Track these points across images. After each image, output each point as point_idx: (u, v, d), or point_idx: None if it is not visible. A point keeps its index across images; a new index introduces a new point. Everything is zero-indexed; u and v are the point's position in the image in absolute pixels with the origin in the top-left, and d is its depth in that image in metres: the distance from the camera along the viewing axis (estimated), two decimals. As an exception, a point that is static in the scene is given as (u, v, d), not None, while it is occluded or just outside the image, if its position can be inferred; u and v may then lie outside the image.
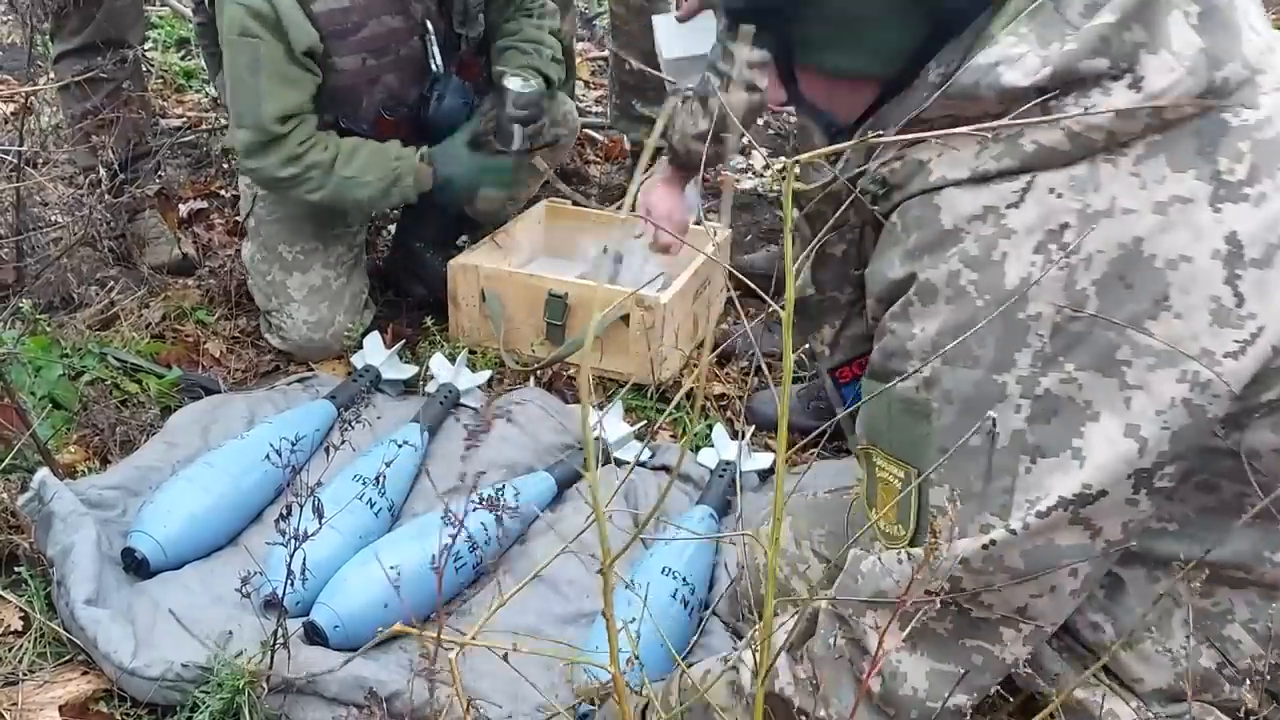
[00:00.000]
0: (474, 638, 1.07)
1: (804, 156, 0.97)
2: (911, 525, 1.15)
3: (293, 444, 1.59)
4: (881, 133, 1.15)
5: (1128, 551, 1.16)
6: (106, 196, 2.37)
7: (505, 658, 1.12)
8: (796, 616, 1.29)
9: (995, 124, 1.02)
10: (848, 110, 1.25)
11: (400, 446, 1.91)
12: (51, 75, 2.72)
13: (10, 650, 1.65)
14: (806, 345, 1.53)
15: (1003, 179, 1.07)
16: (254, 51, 2.23)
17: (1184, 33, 1.04)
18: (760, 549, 1.39)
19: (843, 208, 1.15)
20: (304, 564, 1.51)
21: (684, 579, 1.77)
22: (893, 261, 1.14)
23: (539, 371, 2.45)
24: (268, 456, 1.87)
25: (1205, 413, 1.03)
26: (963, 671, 1.16)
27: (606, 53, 3.33)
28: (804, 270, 1.39)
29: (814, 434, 1.14)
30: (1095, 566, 1.12)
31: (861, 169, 1.21)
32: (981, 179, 1.08)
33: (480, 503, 1.22)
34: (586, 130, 3.67)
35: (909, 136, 1.07)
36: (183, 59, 4.22)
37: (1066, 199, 1.04)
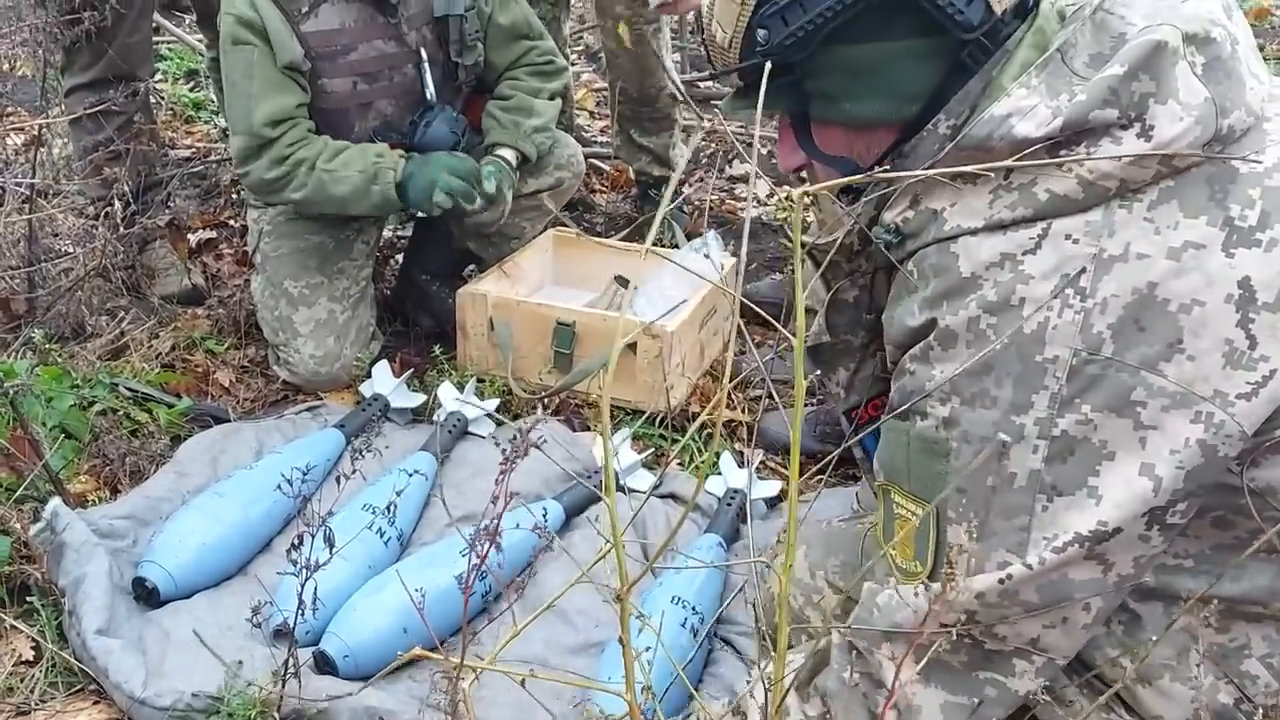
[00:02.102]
0: (489, 666, 1.08)
1: (812, 188, 0.98)
2: (929, 562, 1.16)
3: (303, 473, 1.60)
4: (880, 169, 1.17)
5: (1145, 588, 1.17)
6: (119, 228, 2.39)
7: (523, 683, 1.12)
8: (805, 656, 1.30)
9: (982, 166, 1.05)
10: (868, 157, 1.26)
11: (410, 475, 1.91)
12: (63, 108, 2.75)
13: (22, 680, 1.66)
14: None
15: (1018, 226, 1.09)
16: (247, 57, 2.28)
17: (1190, 82, 1.06)
18: (774, 577, 1.40)
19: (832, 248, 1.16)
20: (315, 593, 1.51)
21: (694, 608, 1.77)
22: (911, 309, 1.16)
23: (547, 400, 2.46)
24: (278, 486, 1.88)
25: (1218, 452, 1.05)
26: (976, 703, 1.16)
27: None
28: (818, 316, 1.41)
29: (824, 462, 1.16)
30: (1107, 600, 1.13)
31: (875, 210, 1.22)
32: (997, 227, 1.10)
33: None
34: (592, 160, 3.69)
35: (902, 174, 1.09)
36: (191, 90, 4.26)
37: (1082, 244, 1.06)
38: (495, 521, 1.08)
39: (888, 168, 1.19)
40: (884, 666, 1.18)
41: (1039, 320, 1.06)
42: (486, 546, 1.08)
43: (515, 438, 1.09)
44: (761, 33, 1.19)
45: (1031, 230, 1.08)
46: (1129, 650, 1.20)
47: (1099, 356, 1.04)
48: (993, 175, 1.11)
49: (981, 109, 1.12)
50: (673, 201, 3.25)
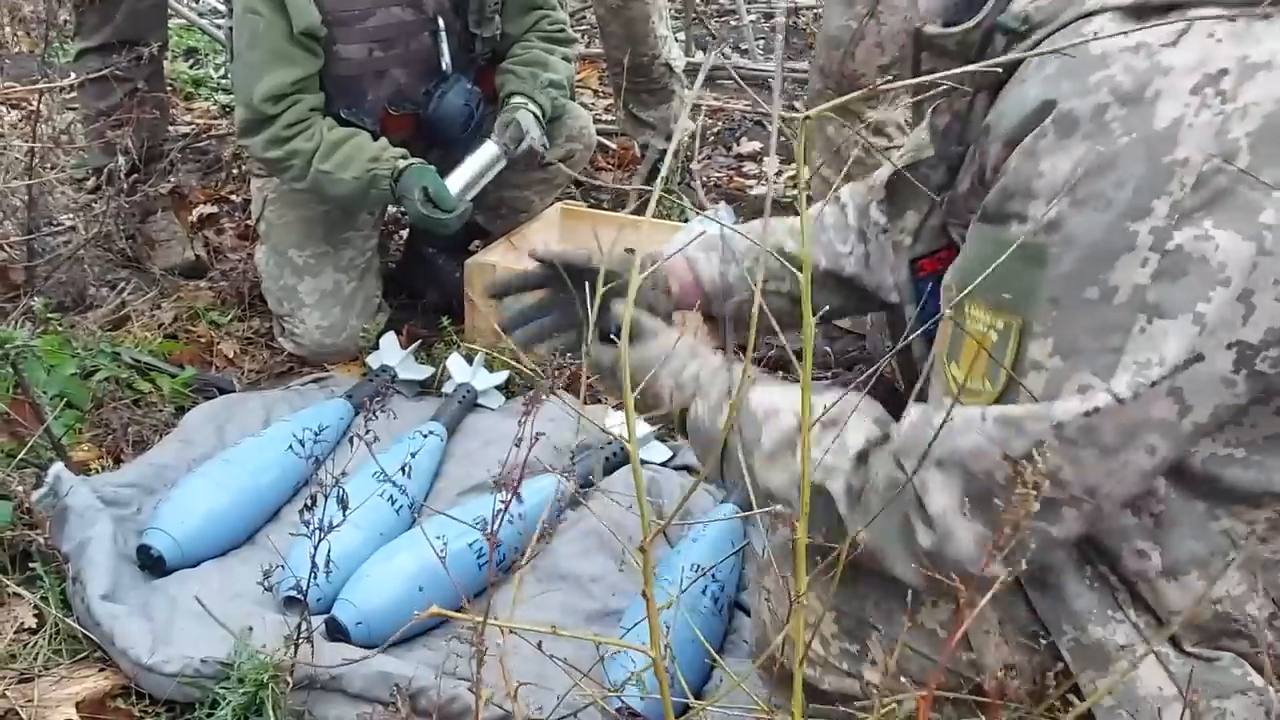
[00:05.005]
0: (508, 628, 1.05)
1: (814, 111, 0.94)
2: (1001, 380, 1.05)
3: (315, 434, 1.56)
4: None
5: (1191, 472, 1.08)
6: (123, 192, 2.35)
7: (540, 645, 1.09)
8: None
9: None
10: None
11: (425, 436, 1.88)
12: (61, 74, 2.71)
13: (26, 647, 1.62)
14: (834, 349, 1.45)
15: (1159, 14, 1.00)
16: (254, 27, 2.25)
17: None
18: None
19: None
20: (328, 556, 1.48)
21: (713, 575, 1.74)
22: (1027, 92, 1.05)
23: (556, 371, 2.41)
24: (290, 448, 1.84)
25: None
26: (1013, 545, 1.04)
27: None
28: (920, 129, 1.31)
29: (873, 370, 1.07)
30: (1171, 450, 1.03)
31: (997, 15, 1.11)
32: (1139, 10, 1.01)
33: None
34: (597, 138, 3.65)
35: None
36: (191, 68, 4.22)
37: (1226, 46, 0.97)
38: (522, 462, 1.05)
39: None
40: (929, 490, 1.08)
41: (1173, 117, 0.96)
42: (517, 481, 1.04)
43: (535, 387, 1.06)
44: None
45: (1172, 24, 0.99)
46: (1160, 544, 1.11)
47: (1231, 167, 0.95)
48: None
49: None
50: (679, 174, 3.21)
